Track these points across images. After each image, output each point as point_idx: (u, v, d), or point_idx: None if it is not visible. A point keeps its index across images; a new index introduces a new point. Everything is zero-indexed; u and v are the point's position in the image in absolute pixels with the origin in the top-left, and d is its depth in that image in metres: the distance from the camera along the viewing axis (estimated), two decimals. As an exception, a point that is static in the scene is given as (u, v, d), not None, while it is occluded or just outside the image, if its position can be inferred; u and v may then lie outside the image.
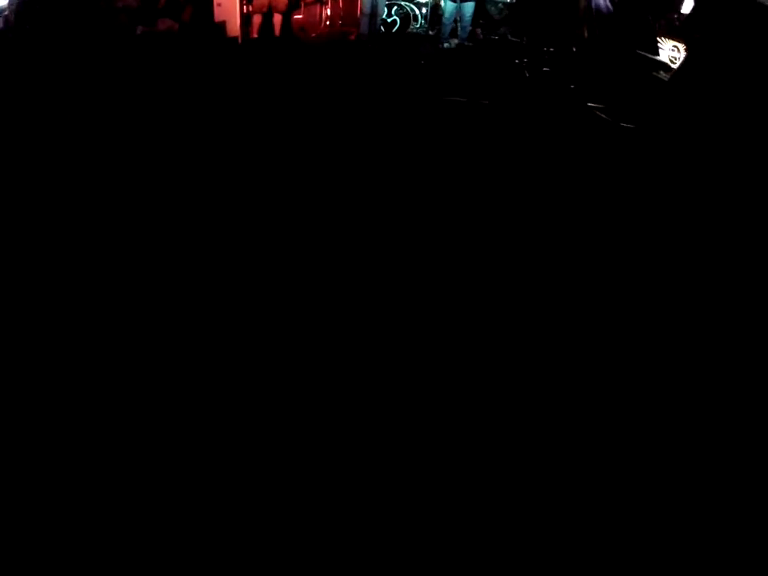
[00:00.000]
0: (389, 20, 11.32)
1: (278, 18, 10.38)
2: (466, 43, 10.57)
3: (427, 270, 3.52)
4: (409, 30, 11.37)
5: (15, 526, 1.96)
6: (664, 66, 6.41)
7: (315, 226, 3.93)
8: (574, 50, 7.48)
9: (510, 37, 9.99)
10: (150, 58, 7.84)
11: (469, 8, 10.23)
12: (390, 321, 3.07)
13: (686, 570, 1.95)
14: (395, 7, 11.33)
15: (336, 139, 5.78)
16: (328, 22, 11.66)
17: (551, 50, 7.97)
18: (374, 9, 10.19)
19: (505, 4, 11.67)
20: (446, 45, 10.64)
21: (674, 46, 6.36)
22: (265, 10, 10.44)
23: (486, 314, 3.16)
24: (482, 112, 6.97)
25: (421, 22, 11.53)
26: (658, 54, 6.50)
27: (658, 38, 6.52)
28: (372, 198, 4.41)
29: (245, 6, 10.47)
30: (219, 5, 10.86)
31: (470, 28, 10.55)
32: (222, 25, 10.34)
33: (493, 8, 11.66)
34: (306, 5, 11.35)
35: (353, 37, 11.06)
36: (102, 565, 1.86)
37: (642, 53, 6.41)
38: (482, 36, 11.25)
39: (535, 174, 5.18)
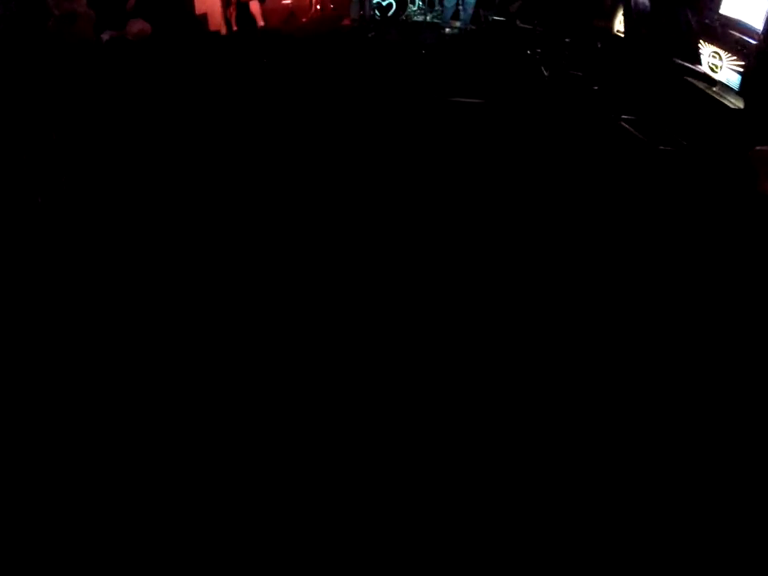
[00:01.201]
0: (384, 3, 10.25)
1: (255, 7, 9.40)
2: (469, 27, 9.52)
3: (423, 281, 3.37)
4: (406, 13, 10.30)
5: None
6: (706, 77, 5.41)
7: (312, 231, 3.82)
8: (599, 45, 6.41)
9: (519, 23, 8.83)
10: (121, 67, 6.90)
11: None
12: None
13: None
14: (390, -12, 10.27)
15: (330, 147, 5.16)
16: (318, 6, 10.64)
17: (568, 41, 6.91)
18: None
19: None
20: (447, 30, 9.59)
21: (715, 53, 5.37)
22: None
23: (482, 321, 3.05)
24: (492, 116, 6.05)
25: (418, 4, 10.47)
26: (699, 62, 5.50)
27: (698, 42, 5.52)
28: (369, 208, 4.13)
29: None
30: (200, -5, 9.85)
31: (473, 10, 9.47)
32: (203, 18, 9.34)
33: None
34: (295, -13, 10.35)
35: (346, 21, 10.03)
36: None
37: (680, 62, 5.40)
38: (484, 18, 10.17)
39: (555, 199, 4.38)
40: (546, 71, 6.86)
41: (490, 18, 10.26)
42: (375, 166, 4.77)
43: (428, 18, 10.25)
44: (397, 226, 3.92)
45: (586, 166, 4.88)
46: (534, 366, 2.80)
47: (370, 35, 9.20)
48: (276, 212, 4.06)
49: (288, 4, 10.41)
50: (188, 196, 4.26)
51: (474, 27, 9.62)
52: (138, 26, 7.25)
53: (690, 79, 5.25)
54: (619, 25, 6.51)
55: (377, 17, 10.07)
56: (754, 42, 4.91)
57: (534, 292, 3.32)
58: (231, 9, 9.35)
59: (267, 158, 4.86)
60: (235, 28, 9.38)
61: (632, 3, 5.61)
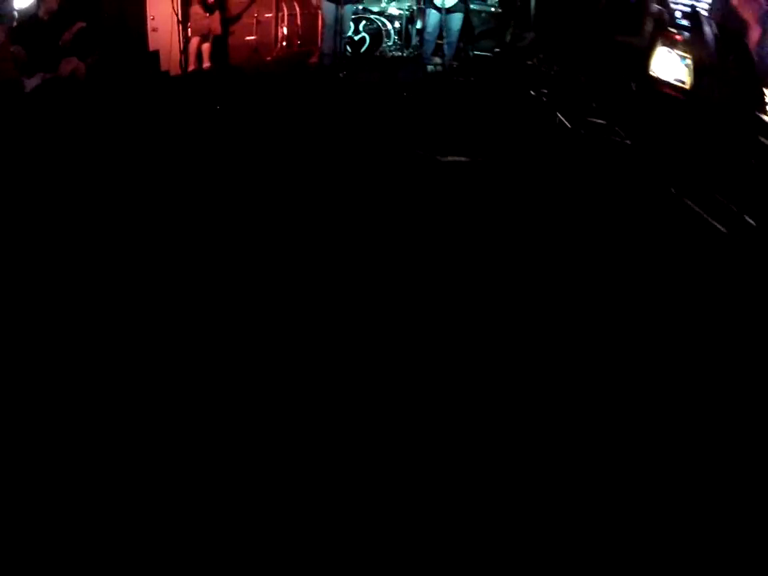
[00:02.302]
0: (356, 38, 9.02)
1: (207, 44, 8.13)
2: (453, 64, 8.32)
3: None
4: (380, 49, 9.05)
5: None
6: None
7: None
8: (633, 87, 5.10)
9: (528, 60, 7.38)
10: (47, 113, 5.55)
11: (456, 20, 7.93)
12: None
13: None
14: (363, 22, 9.03)
15: (295, 218, 4.00)
16: (284, 43, 9.43)
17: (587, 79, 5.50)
18: (338, 24, 7.80)
19: (490, 14, 9.45)
20: (429, 68, 8.38)
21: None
22: (206, 31, 8.18)
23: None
24: (496, 181, 4.72)
25: (394, 39, 9.24)
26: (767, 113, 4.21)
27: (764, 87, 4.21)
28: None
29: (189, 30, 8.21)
30: (155, 30, 8.56)
31: (457, 44, 8.28)
32: (155, 55, 8.03)
33: (476, 18, 9.43)
34: (259, 23, 9.12)
35: (313, 59, 8.75)
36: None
37: (764, 117, 4.09)
38: (464, 54, 8.99)
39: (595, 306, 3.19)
40: (565, 119, 5.47)
41: (472, 53, 9.13)
42: (349, 249, 3.63)
43: (405, 53, 9.01)
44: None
45: (635, 260, 3.61)
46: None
47: (341, 74, 7.88)
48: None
49: (252, 41, 9.24)
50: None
51: (456, 63, 8.43)
52: (71, 65, 5.90)
53: (764, 140, 3.96)
54: (658, 66, 5.14)
55: (348, 53, 8.82)
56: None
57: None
58: (194, 42, 8.05)
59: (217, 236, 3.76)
60: (193, 66, 8.06)
61: (707, 37, 4.26)
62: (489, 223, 4.01)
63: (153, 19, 8.46)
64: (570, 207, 4.20)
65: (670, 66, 5.06)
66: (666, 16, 4.83)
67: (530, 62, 7.12)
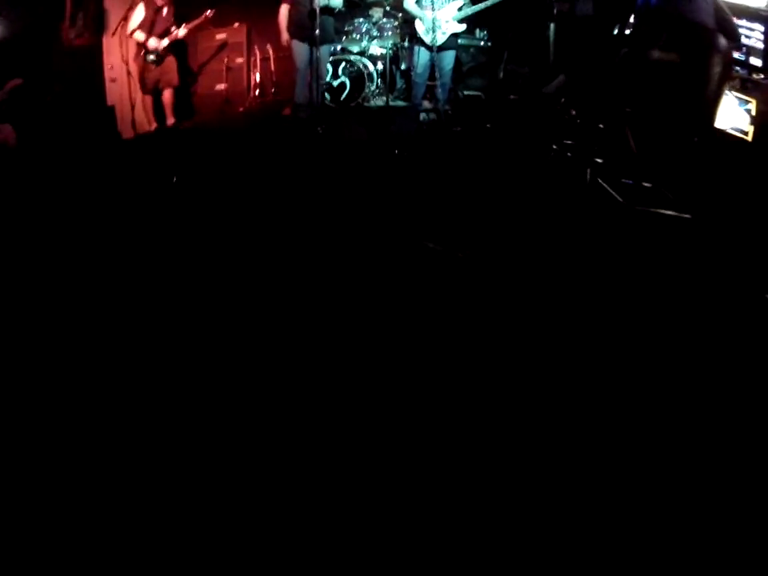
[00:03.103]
0: (335, 83, 8.02)
1: (167, 97, 7.10)
2: (447, 109, 7.31)
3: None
4: (363, 94, 8.01)
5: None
6: None
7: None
8: (696, 139, 4.08)
9: (563, 111, 6.12)
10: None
11: (449, 59, 6.87)
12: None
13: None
14: (343, 64, 8.03)
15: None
16: (258, 92, 8.44)
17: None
18: (313, 69, 6.64)
19: (479, 48, 8.55)
20: (422, 116, 7.37)
21: None
22: (152, 85, 7.15)
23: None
24: (518, 288, 3.49)
25: (377, 82, 8.24)
26: None
27: None
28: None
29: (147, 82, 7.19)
30: (114, 81, 7.55)
31: (450, 85, 7.28)
32: (111, 111, 7.00)
33: (464, 54, 8.53)
34: (230, 70, 8.18)
35: (287, 110, 7.68)
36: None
37: None
38: (454, 95, 8.01)
39: None
40: (612, 188, 4.27)
41: (462, 94, 8.19)
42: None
43: (390, 99, 7.99)
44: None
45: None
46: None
47: (319, 129, 6.67)
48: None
49: (222, 90, 8.26)
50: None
51: (449, 108, 7.44)
52: (2, 133, 4.84)
53: None
54: (726, 119, 4.10)
55: (328, 101, 7.80)
56: None
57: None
58: (147, 99, 7.03)
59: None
60: (154, 124, 7.04)
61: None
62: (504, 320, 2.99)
63: (111, 68, 7.48)
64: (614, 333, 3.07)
65: (726, 111, 4.11)
66: (732, 54, 3.89)
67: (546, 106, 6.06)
